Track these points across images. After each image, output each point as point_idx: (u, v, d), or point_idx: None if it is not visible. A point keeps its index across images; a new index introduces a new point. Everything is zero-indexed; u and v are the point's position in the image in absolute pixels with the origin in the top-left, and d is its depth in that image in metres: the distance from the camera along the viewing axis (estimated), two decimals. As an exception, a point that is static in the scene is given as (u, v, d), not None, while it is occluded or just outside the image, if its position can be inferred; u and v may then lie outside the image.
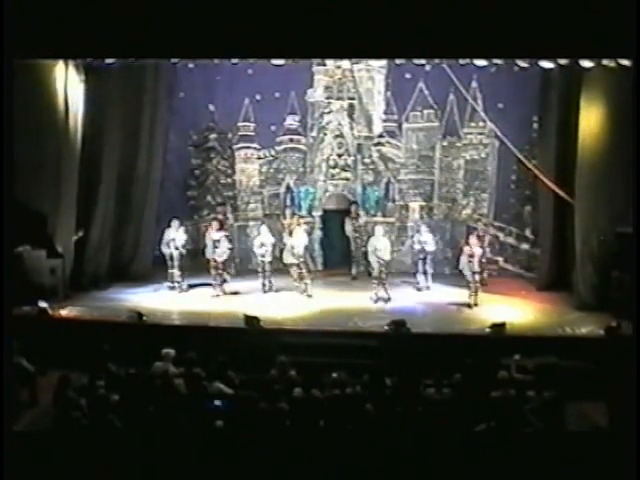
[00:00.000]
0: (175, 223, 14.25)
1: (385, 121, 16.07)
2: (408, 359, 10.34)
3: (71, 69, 13.28)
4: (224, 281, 14.22)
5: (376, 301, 13.54)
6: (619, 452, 6.77)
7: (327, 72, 15.88)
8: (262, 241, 14.37)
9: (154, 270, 14.79)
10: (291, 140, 16.19)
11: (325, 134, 16.10)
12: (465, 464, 6.85)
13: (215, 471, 6.82)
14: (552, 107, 14.12)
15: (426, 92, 15.64)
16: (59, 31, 8.79)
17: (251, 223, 16.18)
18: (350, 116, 16.05)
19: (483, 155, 15.91)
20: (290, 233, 14.54)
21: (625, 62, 11.29)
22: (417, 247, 14.50)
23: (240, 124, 16.06)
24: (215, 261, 14.05)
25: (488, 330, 11.58)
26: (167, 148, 15.73)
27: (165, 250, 14.15)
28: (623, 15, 8.39)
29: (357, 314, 12.79)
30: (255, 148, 16.21)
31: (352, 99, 16.02)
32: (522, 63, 12.65)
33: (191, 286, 14.36)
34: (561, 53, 10.67)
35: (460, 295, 13.63)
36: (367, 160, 16.14)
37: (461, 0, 8.81)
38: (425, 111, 15.86)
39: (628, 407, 7.67)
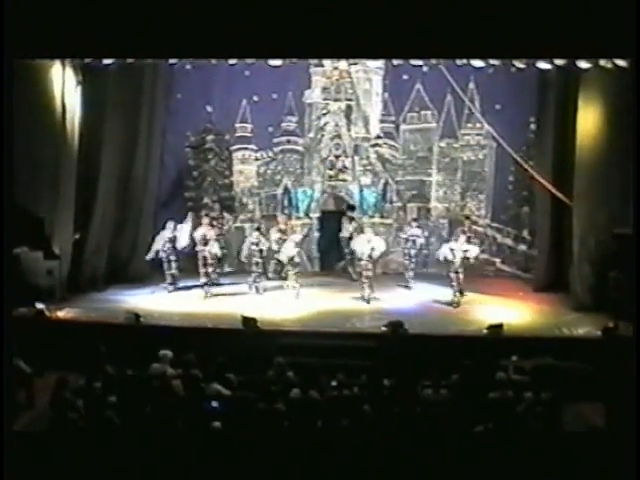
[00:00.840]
0: (170, 225, 14.22)
1: (382, 122, 16.08)
2: (406, 360, 10.33)
3: (68, 70, 13.25)
4: (210, 281, 14.16)
5: (368, 301, 13.54)
6: (617, 453, 6.78)
7: (324, 73, 15.88)
8: (253, 242, 14.37)
9: (151, 272, 14.75)
10: (288, 141, 16.18)
11: (322, 135, 16.11)
12: (463, 465, 6.86)
13: (213, 472, 6.82)
14: (549, 108, 14.13)
15: (423, 93, 15.66)
16: (59, 31, 8.80)
17: (248, 224, 16.17)
18: (347, 117, 16.05)
19: (480, 156, 15.92)
20: (284, 233, 14.58)
21: (622, 63, 11.31)
22: (408, 243, 14.58)
23: (237, 125, 16.06)
24: (204, 259, 14.02)
25: (486, 331, 11.59)
26: (164, 149, 15.71)
27: (161, 252, 14.13)
28: (622, 15, 8.39)
29: (354, 315, 12.78)
30: (252, 149, 16.20)
31: (350, 100, 16.02)
32: (519, 64, 12.67)
33: (188, 287, 14.35)
34: (559, 53, 10.70)
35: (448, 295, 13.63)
36: (365, 161, 16.14)
37: (459, 0, 8.82)
38: (422, 112, 15.88)
39: (626, 408, 7.67)
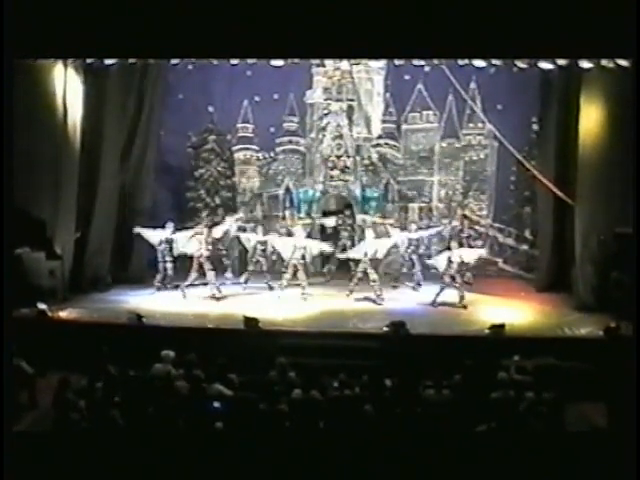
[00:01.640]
0: (170, 225, 14.23)
1: (384, 122, 16.11)
2: (407, 360, 10.33)
3: (69, 70, 13.25)
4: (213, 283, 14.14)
5: (378, 302, 13.51)
6: (618, 453, 6.77)
7: (326, 73, 15.91)
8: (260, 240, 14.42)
9: (150, 272, 14.74)
10: (290, 142, 16.21)
11: (324, 135, 16.13)
12: (465, 465, 6.85)
13: (215, 472, 6.81)
14: (551, 108, 14.13)
15: (425, 93, 15.70)
16: (59, 31, 8.80)
17: (250, 224, 16.17)
18: (349, 117, 16.09)
19: (482, 156, 15.95)
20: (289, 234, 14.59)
21: (624, 62, 11.30)
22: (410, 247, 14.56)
23: (239, 125, 16.10)
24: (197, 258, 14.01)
25: (488, 331, 11.58)
26: (166, 150, 15.72)
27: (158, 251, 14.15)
28: (623, 15, 8.39)
29: (356, 315, 12.78)
30: (254, 150, 16.25)
31: (351, 100, 16.06)
32: (521, 64, 12.66)
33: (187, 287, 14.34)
34: (561, 53, 10.69)
35: (451, 296, 13.60)
36: (366, 161, 16.17)
37: (460, 1, 8.81)
38: (424, 112, 15.92)
39: (627, 408, 7.67)
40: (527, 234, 15.78)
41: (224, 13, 8.70)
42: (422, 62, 13.54)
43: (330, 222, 14.19)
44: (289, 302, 13.55)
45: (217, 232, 14.30)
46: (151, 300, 13.66)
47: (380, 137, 16.16)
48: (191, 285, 13.96)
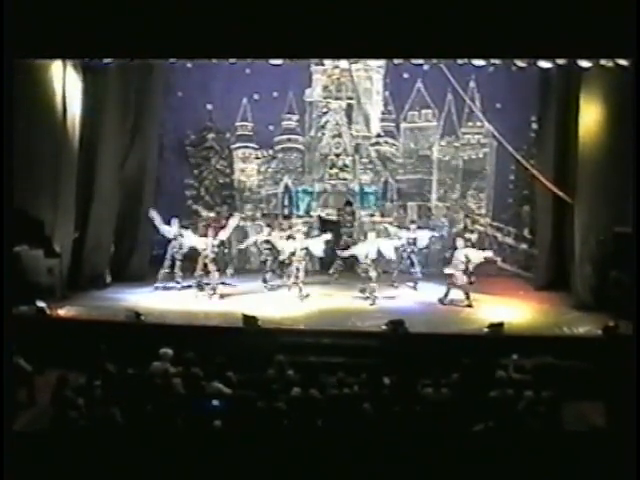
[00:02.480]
0: (175, 222, 14.23)
1: (383, 121, 16.10)
2: (406, 359, 10.34)
3: (68, 69, 13.24)
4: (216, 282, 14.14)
5: (371, 302, 13.50)
6: (617, 452, 6.78)
7: (325, 72, 15.91)
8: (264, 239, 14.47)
9: (152, 270, 14.75)
10: (289, 140, 16.20)
11: (323, 134, 16.13)
12: (463, 464, 6.86)
13: (213, 471, 6.82)
14: (550, 107, 14.15)
15: (424, 92, 15.69)
16: (59, 31, 8.79)
17: (249, 223, 16.18)
18: (348, 116, 16.10)
19: (481, 155, 15.95)
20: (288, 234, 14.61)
21: (623, 62, 11.31)
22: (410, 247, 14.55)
23: (238, 124, 16.09)
24: (214, 260, 13.99)
25: (486, 330, 11.59)
26: (165, 148, 15.71)
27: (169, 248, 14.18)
28: (623, 14, 8.38)
29: (355, 314, 12.78)
30: (253, 148, 16.23)
31: (350, 99, 16.06)
32: (520, 63, 12.66)
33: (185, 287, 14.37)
34: (560, 53, 10.68)
35: (456, 295, 13.59)
36: (365, 160, 16.17)
37: (460, 0, 8.81)
38: (423, 111, 15.92)
39: (626, 407, 7.67)
40: (526, 233, 15.79)
41: (223, 13, 8.69)
42: (421, 61, 13.53)
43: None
44: (288, 301, 13.57)
45: (223, 235, 14.27)
46: (150, 298, 13.67)
47: (379, 135, 16.15)
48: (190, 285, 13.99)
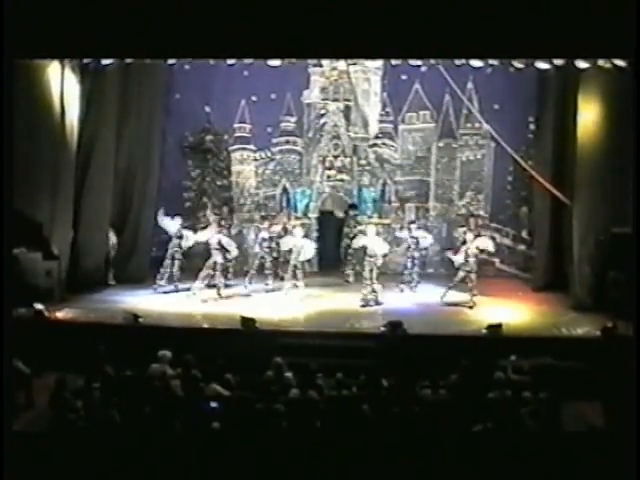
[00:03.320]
0: (178, 220, 14.23)
1: (381, 122, 16.11)
2: (404, 360, 10.34)
3: (67, 70, 13.24)
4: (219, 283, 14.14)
5: (364, 305, 13.43)
6: (616, 453, 6.78)
7: (323, 73, 15.91)
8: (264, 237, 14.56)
9: (150, 272, 14.74)
10: (287, 142, 16.20)
11: (321, 135, 16.13)
12: (462, 465, 6.85)
13: (212, 472, 6.81)
14: (548, 108, 14.17)
15: (422, 93, 15.70)
16: (59, 31, 8.79)
17: (247, 225, 16.18)
18: (346, 117, 16.09)
19: (479, 156, 15.95)
20: (285, 232, 14.64)
21: (620, 63, 11.32)
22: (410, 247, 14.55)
23: (236, 125, 16.09)
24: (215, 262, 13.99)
25: (484, 331, 11.59)
26: (163, 150, 15.71)
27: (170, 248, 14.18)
28: (621, 15, 8.39)
29: (353, 315, 12.78)
30: (251, 149, 16.23)
31: (348, 100, 16.05)
32: (518, 64, 12.68)
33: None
34: (558, 53, 10.69)
35: (456, 296, 13.60)
36: (363, 161, 16.17)
37: (457, 0, 8.81)
38: (421, 112, 15.92)
39: (625, 408, 7.68)
40: (524, 234, 15.79)
41: (222, 13, 8.69)
42: (419, 62, 13.54)
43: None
44: (287, 302, 13.57)
45: (230, 245, 14.29)
46: (149, 300, 13.65)
47: (377, 137, 16.16)
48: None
